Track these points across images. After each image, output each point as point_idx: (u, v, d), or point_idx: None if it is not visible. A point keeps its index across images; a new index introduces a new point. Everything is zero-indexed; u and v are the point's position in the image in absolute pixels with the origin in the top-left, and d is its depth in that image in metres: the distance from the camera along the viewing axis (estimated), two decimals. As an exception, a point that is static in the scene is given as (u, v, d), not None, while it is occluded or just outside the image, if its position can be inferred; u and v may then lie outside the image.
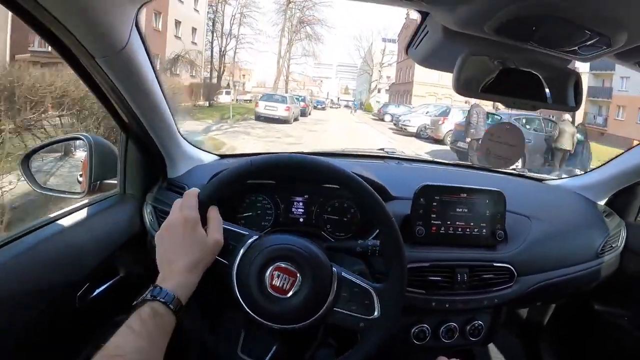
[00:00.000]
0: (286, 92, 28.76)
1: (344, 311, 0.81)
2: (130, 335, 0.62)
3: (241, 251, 0.80)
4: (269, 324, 0.79)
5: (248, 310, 0.79)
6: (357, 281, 0.83)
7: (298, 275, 0.79)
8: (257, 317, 0.79)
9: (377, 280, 0.87)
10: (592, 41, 0.78)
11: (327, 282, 0.81)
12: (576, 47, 0.83)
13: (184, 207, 0.78)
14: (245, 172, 0.83)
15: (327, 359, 0.88)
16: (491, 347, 1.26)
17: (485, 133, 0.98)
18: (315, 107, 35.71)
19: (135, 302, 0.68)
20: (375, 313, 0.82)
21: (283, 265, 0.79)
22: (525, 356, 1.65)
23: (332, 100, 56.33)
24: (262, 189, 1.21)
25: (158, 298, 0.67)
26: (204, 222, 0.78)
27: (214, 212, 0.80)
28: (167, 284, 0.70)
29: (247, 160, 0.84)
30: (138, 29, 0.89)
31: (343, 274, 0.83)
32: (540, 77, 0.90)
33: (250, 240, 0.81)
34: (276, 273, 0.78)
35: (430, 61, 0.98)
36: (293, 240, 0.83)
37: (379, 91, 49.46)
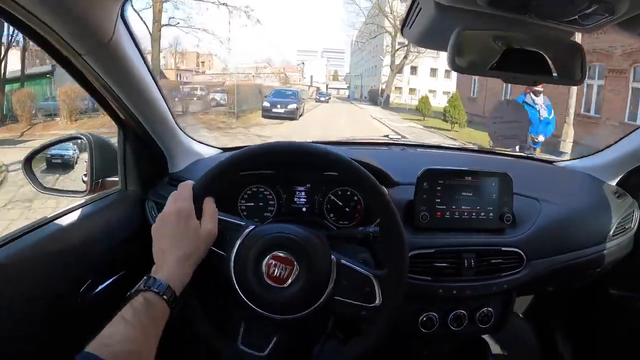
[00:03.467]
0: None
1: (344, 299, 0.80)
2: (122, 325, 0.62)
3: (238, 242, 0.79)
4: (268, 314, 0.78)
5: (247, 301, 0.78)
6: (357, 268, 0.81)
7: (295, 263, 0.77)
8: (256, 308, 0.78)
9: (381, 269, 0.85)
10: (592, 8, 0.75)
11: (325, 270, 0.79)
12: (576, 17, 0.80)
13: (178, 198, 0.78)
14: (238, 161, 0.82)
15: (335, 351, 0.86)
16: (504, 334, 1.23)
17: (489, 118, 0.95)
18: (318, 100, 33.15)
19: (128, 293, 0.68)
20: (377, 301, 0.80)
21: (279, 254, 0.77)
22: (539, 344, 1.62)
23: (317, 89, 45.37)
24: (264, 180, 1.20)
25: (151, 288, 0.67)
26: (199, 213, 0.78)
27: (208, 203, 0.79)
28: (160, 274, 0.70)
29: (240, 150, 0.82)
30: (125, 22, 0.88)
31: (342, 261, 0.81)
32: (545, 54, 0.87)
33: (247, 230, 0.80)
34: (273, 262, 0.77)
35: (426, 40, 0.95)
36: (289, 228, 0.81)
37: (398, 71, 30.60)
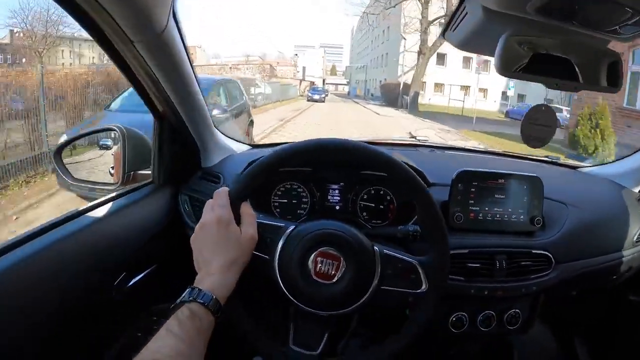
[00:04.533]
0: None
1: (391, 288, 0.81)
2: (168, 339, 0.62)
3: (280, 243, 0.80)
4: (318, 311, 0.79)
5: (295, 301, 0.79)
6: (401, 256, 0.82)
7: (341, 258, 0.78)
8: (305, 306, 0.79)
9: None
10: (633, 20, 0.77)
11: (370, 261, 0.80)
12: (617, 27, 0.82)
13: (216, 206, 0.77)
14: (273, 163, 0.81)
15: (359, 348, 0.87)
16: (527, 337, 1.24)
17: (524, 118, 0.96)
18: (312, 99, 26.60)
19: (173, 305, 0.68)
20: (423, 286, 0.81)
21: (325, 251, 0.78)
22: (558, 348, 1.63)
23: (311, 83, 38.03)
24: (298, 177, 1.21)
25: (196, 299, 0.67)
26: (238, 219, 0.77)
27: (246, 208, 0.79)
28: (205, 284, 0.69)
29: (274, 151, 0.82)
30: (175, 15, 0.90)
31: (385, 251, 0.82)
32: (585, 61, 0.88)
33: (288, 231, 0.81)
34: (319, 259, 0.78)
35: (470, 44, 0.96)
36: (331, 224, 0.82)
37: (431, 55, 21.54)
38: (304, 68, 44.80)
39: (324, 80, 46.35)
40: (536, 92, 19.36)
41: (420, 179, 0.83)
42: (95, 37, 0.83)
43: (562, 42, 0.87)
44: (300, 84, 37.43)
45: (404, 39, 26.10)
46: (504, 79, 15.57)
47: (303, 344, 0.84)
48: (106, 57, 0.91)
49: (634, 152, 1.47)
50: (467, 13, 0.88)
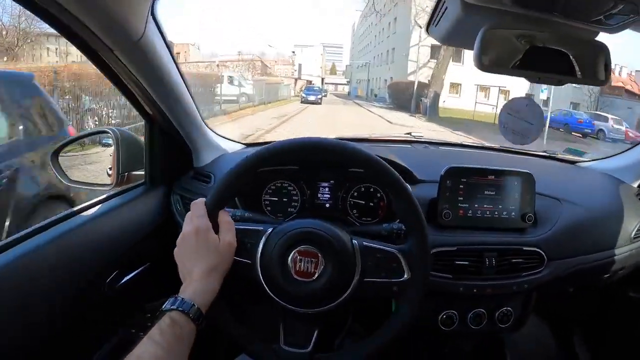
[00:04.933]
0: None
1: (374, 280, 0.81)
2: (150, 346, 0.64)
3: (260, 247, 0.80)
4: (304, 310, 0.80)
5: (280, 301, 0.80)
6: (380, 246, 0.82)
7: (319, 255, 0.79)
8: (290, 305, 0.80)
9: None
10: (618, 9, 0.76)
11: (350, 255, 0.80)
12: (602, 17, 0.80)
13: (194, 217, 0.79)
14: (247, 166, 0.82)
15: (355, 345, 0.87)
16: (521, 334, 1.22)
17: (503, 106, 0.95)
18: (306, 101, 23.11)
19: (157, 313, 0.70)
20: (406, 275, 0.81)
21: (302, 249, 0.79)
22: (556, 344, 1.61)
23: (308, 82, 34.49)
24: (288, 175, 1.22)
25: (177, 308, 0.69)
26: (216, 227, 0.79)
27: (223, 216, 0.81)
28: (186, 293, 0.71)
29: (246, 156, 0.83)
30: (155, 19, 0.91)
31: (364, 243, 0.82)
32: (569, 53, 0.87)
33: (266, 234, 0.82)
34: (298, 258, 0.79)
35: (452, 39, 0.96)
36: (308, 222, 0.82)
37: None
38: (299, 65, 41.14)
39: (322, 80, 42.94)
40: (560, 96, 18.21)
41: (399, 177, 0.83)
42: (77, 46, 0.85)
43: (544, 34, 0.85)
44: (295, 83, 34.33)
45: (420, 27, 20.92)
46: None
47: (293, 343, 0.84)
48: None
49: (634, 146, 1.44)
50: (446, 8, 0.88)
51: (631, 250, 1.24)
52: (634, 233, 1.25)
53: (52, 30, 0.80)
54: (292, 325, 0.86)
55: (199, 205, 0.80)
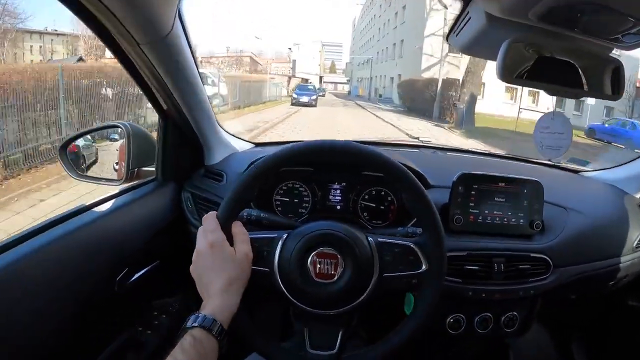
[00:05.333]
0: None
1: (394, 274, 0.82)
2: None
3: (277, 253, 0.81)
4: (328, 312, 0.81)
5: (303, 305, 0.81)
6: (395, 241, 0.84)
7: (338, 256, 0.80)
8: (313, 309, 0.81)
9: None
10: (636, 29, 0.78)
11: (367, 252, 0.81)
12: (619, 35, 0.82)
13: (207, 231, 0.78)
14: (256, 175, 0.82)
15: (356, 348, 0.88)
16: (524, 340, 1.25)
17: (536, 127, 0.97)
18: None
19: (180, 331, 0.70)
20: (424, 266, 0.83)
21: (321, 251, 0.80)
22: (556, 351, 1.63)
23: (304, 81, 29.69)
24: (300, 176, 1.22)
25: (198, 325, 0.68)
26: (231, 240, 0.79)
27: (237, 228, 0.80)
28: (207, 309, 0.71)
29: (253, 165, 0.83)
30: (180, 17, 0.91)
31: (380, 239, 0.84)
32: (577, 65, 0.89)
33: (281, 241, 0.82)
34: (317, 260, 0.79)
35: (473, 49, 0.97)
36: (323, 224, 0.83)
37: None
38: (294, 62, 37.90)
39: (321, 78, 39.54)
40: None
41: (418, 182, 0.84)
42: (101, 38, 0.86)
43: (565, 49, 0.87)
44: (289, 81, 30.22)
45: (446, 7, 16.52)
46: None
47: (320, 346, 0.85)
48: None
49: (637, 158, 1.47)
50: (470, 18, 0.89)
51: (633, 259, 1.27)
52: (636, 242, 1.27)
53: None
54: (316, 329, 0.87)
55: (210, 219, 0.80)
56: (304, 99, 20.26)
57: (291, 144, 0.84)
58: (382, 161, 0.84)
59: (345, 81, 43.19)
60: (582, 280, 1.20)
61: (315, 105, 20.17)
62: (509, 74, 0.84)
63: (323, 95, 25.66)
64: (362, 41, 40.06)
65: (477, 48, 0.96)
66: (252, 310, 0.81)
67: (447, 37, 1.00)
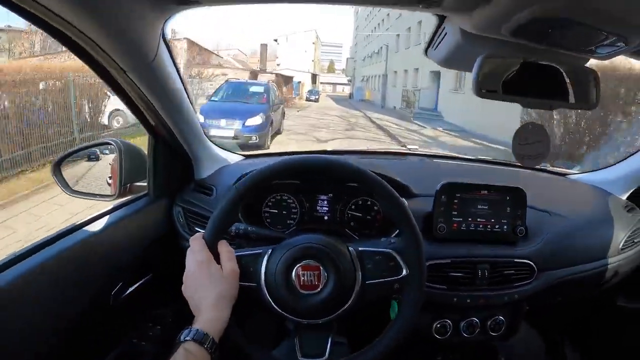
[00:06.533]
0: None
1: (376, 281, 0.85)
2: None
3: (262, 269, 0.84)
4: (316, 320, 0.84)
5: (291, 316, 0.84)
6: (375, 248, 0.88)
7: (320, 267, 0.83)
8: (302, 319, 0.84)
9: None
10: (608, 41, 0.80)
11: (349, 262, 0.85)
12: (592, 47, 0.84)
13: (194, 252, 0.82)
14: (237, 199, 0.85)
15: (341, 354, 0.91)
16: (514, 342, 1.27)
17: (513, 140, 0.99)
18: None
19: (173, 345, 0.73)
20: (404, 271, 0.86)
21: (303, 264, 0.83)
22: (547, 353, 1.65)
23: (278, 77, 21.31)
24: (288, 188, 1.25)
25: (190, 338, 0.72)
26: (217, 258, 0.82)
27: (222, 247, 0.84)
28: (198, 323, 0.74)
29: (233, 187, 0.86)
30: (165, 41, 0.93)
31: (360, 248, 0.87)
32: (561, 80, 0.91)
33: (266, 256, 0.85)
34: (301, 272, 0.83)
35: (451, 62, 1.00)
36: (304, 238, 0.87)
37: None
38: (263, 47, 25.93)
39: (316, 77, 30.88)
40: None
41: (393, 191, 0.88)
42: (91, 66, 0.88)
43: (538, 62, 0.89)
44: (254, 78, 20.06)
45: None
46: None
47: (310, 354, 0.88)
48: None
49: (623, 159, 1.49)
50: (446, 34, 0.92)
51: (619, 261, 1.29)
52: (622, 244, 1.29)
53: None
54: (305, 337, 0.89)
55: (197, 241, 0.84)
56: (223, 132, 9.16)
57: (264, 166, 0.87)
58: (351, 171, 0.87)
59: (347, 81, 36.23)
60: (569, 283, 1.22)
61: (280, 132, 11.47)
62: (483, 89, 0.86)
63: (317, 100, 18.44)
64: (369, 28, 30.53)
65: (455, 62, 0.98)
66: (244, 322, 0.84)
67: (426, 51, 1.03)
